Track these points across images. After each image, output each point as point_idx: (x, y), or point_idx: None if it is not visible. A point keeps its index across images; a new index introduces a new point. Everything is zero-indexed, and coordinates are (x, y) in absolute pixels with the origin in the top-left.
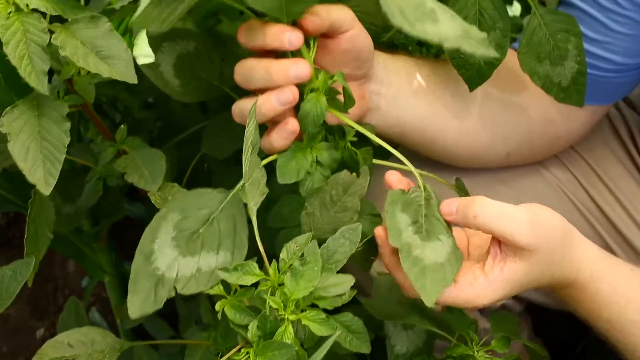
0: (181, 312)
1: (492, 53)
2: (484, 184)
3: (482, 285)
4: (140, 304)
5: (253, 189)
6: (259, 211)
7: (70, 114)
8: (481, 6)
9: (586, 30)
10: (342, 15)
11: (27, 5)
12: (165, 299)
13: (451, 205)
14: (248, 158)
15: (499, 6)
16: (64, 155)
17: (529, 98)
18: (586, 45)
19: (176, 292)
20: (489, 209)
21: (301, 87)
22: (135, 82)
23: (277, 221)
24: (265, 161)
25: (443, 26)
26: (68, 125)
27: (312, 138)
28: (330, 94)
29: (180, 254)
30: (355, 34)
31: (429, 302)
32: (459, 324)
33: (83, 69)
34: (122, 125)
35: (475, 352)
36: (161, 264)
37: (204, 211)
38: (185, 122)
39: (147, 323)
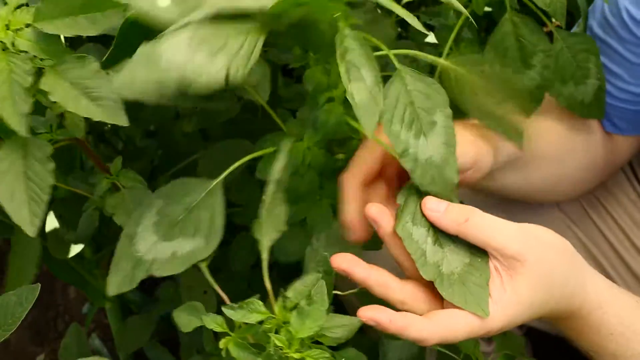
0: (183, 339)
1: (451, 197)
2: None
3: (492, 308)
4: (118, 283)
5: (270, 226)
6: None
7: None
8: (519, 34)
9: (610, 64)
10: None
11: (13, 45)
12: (140, 280)
13: (440, 204)
14: (270, 195)
15: (536, 30)
16: (49, 196)
17: (583, 131)
18: (611, 79)
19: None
20: (481, 216)
21: (317, 94)
22: (126, 124)
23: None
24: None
25: (424, 144)
26: (52, 165)
27: (316, 142)
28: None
29: (159, 238)
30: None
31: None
32: (464, 343)
33: None
34: (117, 158)
35: None
36: (141, 247)
37: (186, 199)
38: (186, 149)
39: (148, 351)
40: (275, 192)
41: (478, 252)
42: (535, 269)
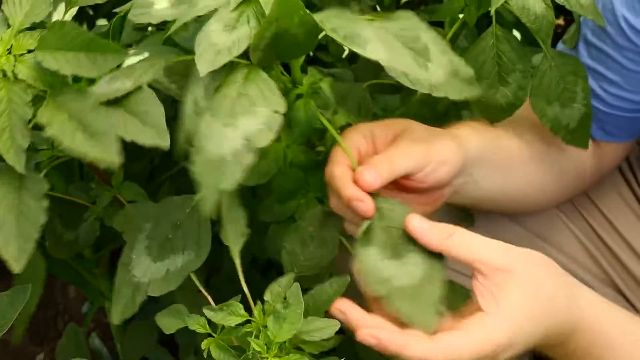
0: (180, 341)
1: (476, 91)
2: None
3: (490, 322)
4: (121, 310)
5: (234, 231)
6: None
7: None
8: (499, 49)
9: (605, 71)
10: (405, 162)
11: (13, 73)
12: (140, 302)
13: (423, 221)
14: (226, 202)
15: (517, 48)
16: (38, 235)
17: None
18: (606, 86)
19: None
20: (465, 232)
21: (286, 93)
22: (118, 163)
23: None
24: None
25: (433, 68)
26: (46, 203)
27: (293, 140)
28: (315, 98)
29: (152, 260)
30: (429, 171)
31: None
32: None
33: None
34: (118, 171)
35: None
36: (137, 271)
37: (172, 218)
38: None
39: (149, 352)
40: (230, 197)
41: (433, 268)
42: (523, 279)
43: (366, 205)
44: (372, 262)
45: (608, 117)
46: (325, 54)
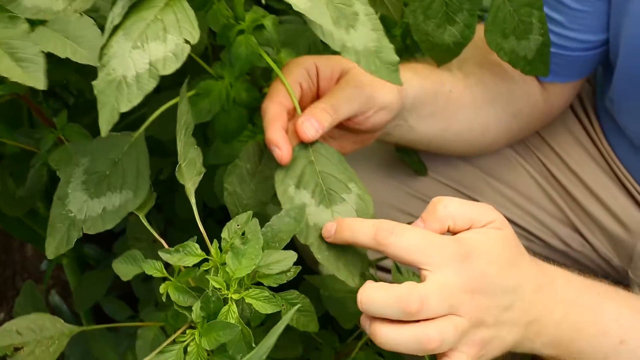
0: (138, 294)
1: (396, 80)
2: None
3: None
4: (56, 245)
5: (190, 170)
6: None
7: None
8: None
9: (549, 11)
10: (349, 108)
11: None
12: (75, 239)
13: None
14: (182, 139)
15: None
16: None
17: (513, 81)
18: (550, 26)
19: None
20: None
21: (228, 30)
22: (45, 88)
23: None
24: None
25: (356, 35)
26: None
27: (236, 78)
28: (257, 35)
29: (89, 196)
30: (369, 115)
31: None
32: None
33: None
34: (62, 112)
35: None
36: (73, 207)
37: (110, 154)
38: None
39: (105, 305)
40: (186, 136)
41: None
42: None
43: (282, 153)
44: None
45: (555, 57)
46: (277, 2)
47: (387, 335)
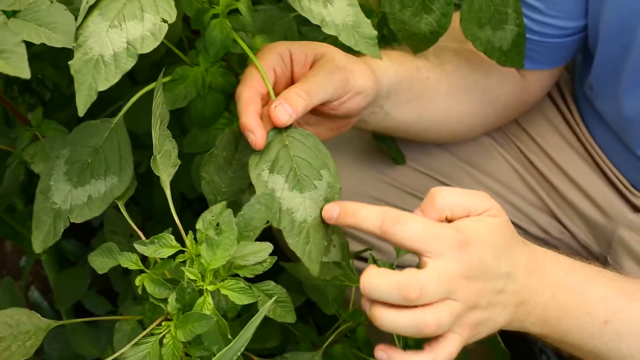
0: (117, 288)
1: (375, 53)
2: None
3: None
4: (42, 238)
5: (165, 162)
6: None
7: None
8: None
9: None
10: (323, 93)
11: None
12: (62, 230)
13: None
14: (157, 131)
15: None
16: None
17: (490, 68)
18: (529, 13)
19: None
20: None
21: (202, 14)
22: (28, 76)
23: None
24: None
25: (333, 10)
26: None
27: (211, 63)
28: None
29: (72, 186)
30: (343, 100)
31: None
32: None
33: None
34: (37, 109)
35: None
36: (57, 198)
37: (91, 142)
38: (115, 94)
39: (85, 300)
40: (161, 128)
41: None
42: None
43: (256, 138)
44: (277, 192)
45: (533, 44)
46: None
47: (387, 319)
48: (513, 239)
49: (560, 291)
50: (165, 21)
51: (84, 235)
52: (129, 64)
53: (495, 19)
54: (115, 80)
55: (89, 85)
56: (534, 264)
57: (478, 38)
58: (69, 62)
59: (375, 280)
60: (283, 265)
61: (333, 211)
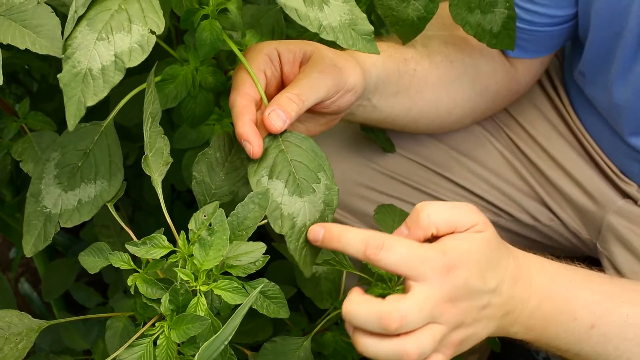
0: (108, 280)
1: (373, 49)
2: None
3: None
4: (33, 242)
5: (156, 160)
6: None
7: None
8: None
9: None
10: (315, 95)
11: None
12: (52, 234)
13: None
14: (149, 129)
15: None
16: None
17: (480, 57)
18: (519, 2)
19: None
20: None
21: (191, 14)
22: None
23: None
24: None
25: (330, 11)
26: None
27: (201, 62)
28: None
29: (63, 190)
30: (335, 99)
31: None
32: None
33: None
34: (24, 100)
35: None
36: (48, 202)
37: (80, 145)
38: None
39: (75, 292)
40: (153, 126)
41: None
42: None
43: (253, 147)
44: (277, 197)
45: (523, 32)
46: None
47: (367, 347)
48: (499, 250)
49: (545, 299)
50: (153, 32)
51: (73, 226)
52: (117, 77)
53: (485, 3)
54: (103, 94)
55: (77, 99)
56: (518, 272)
57: (468, 22)
58: (58, 76)
59: (356, 307)
60: (275, 247)
61: (318, 234)
